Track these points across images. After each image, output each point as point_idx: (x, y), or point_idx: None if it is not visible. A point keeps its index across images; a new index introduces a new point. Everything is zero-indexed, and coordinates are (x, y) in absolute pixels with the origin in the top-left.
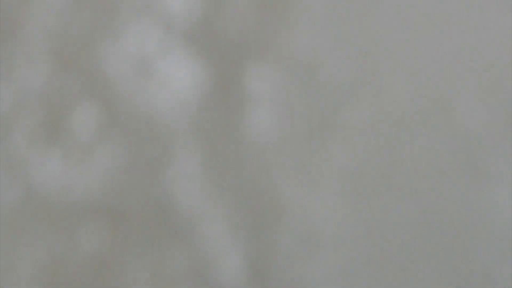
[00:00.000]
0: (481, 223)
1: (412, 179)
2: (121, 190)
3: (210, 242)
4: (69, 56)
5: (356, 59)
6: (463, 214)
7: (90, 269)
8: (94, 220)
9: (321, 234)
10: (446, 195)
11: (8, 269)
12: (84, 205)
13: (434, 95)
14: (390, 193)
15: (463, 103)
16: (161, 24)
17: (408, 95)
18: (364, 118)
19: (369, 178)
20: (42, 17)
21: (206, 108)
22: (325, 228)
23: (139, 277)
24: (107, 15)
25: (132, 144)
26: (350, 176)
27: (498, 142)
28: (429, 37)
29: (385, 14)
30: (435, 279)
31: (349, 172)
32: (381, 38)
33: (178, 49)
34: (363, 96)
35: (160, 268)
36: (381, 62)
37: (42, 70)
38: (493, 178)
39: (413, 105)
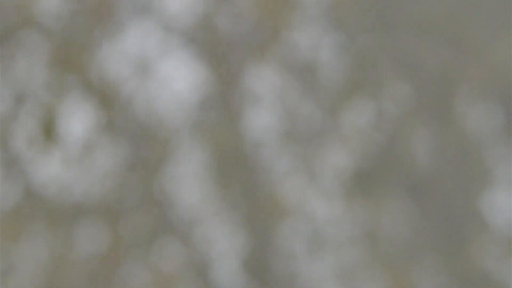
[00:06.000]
0: (481, 223)
1: (412, 179)
2: (121, 190)
3: (209, 242)
4: (69, 57)
5: (356, 59)
6: (464, 214)
7: (90, 269)
8: (93, 220)
9: (320, 234)
10: (446, 195)
11: (8, 269)
12: (83, 205)
13: (435, 96)
14: (390, 193)
15: (464, 104)
16: (161, 24)
17: (409, 95)
18: (364, 118)
19: (368, 178)
20: (42, 17)
21: (206, 108)
22: (325, 228)
23: (139, 277)
24: (107, 15)
25: (132, 144)
26: (349, 176)
27: (498, 142)
28: (429, 37)
29: (384, 13)
30: (434, 279)
31: (349, 172)
32: (381, 38)
33: (178, 49)
34: (363, 96)
35: (159, 268)
36: (382, 62)
37: (41, 70)
38: (493, 178)
39: (413, 106)
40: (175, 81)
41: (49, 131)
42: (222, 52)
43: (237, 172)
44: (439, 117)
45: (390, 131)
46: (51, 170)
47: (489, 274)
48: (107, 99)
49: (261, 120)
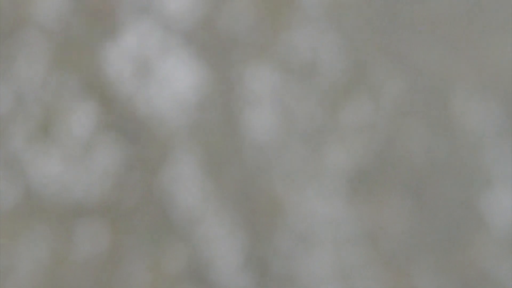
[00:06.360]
0: (481, 223)
1: (411, 179)
2: (121, 190)
3: (210, 242)
4: (69, 56)
5: (355, 59)
6: (463, 214)
7: (90, 269)
8: (94, 220)
9: (320, 233)
10: (446, 195)
11: (8, 269)
12: (83, 205)
13: (433, 95)
14: (389, 193)
15: (463, 103)
16: (161, 24)
17: (407, 95)
18: (363, 118)
19: (368, 177)
20: (42, 17)
21: (206, 108)
22: (324, 228)
23: (139, 277)
24: (107, 15)
25: (132, 144)
26: (349, 176)
27: (498, 142)
28: (428, 36)
29: (383, 13)
30: (434, 279)
31: (348, 172)
32: (380, 38)
33: (178, 49)
34: (362, 96)
35: (159, 268)
36: (380, 62)
37: (41, 70)
38: (493, 178)
39: (412, 105)
40: (174, 81)
41: (49, 130)
42: (222, 52)
43: (237, 172)
44: (438, 116)
45: (389, 130)
46: (51, 170)
47: (489, 274)
48: (107, 99)
49: (261, 120)
